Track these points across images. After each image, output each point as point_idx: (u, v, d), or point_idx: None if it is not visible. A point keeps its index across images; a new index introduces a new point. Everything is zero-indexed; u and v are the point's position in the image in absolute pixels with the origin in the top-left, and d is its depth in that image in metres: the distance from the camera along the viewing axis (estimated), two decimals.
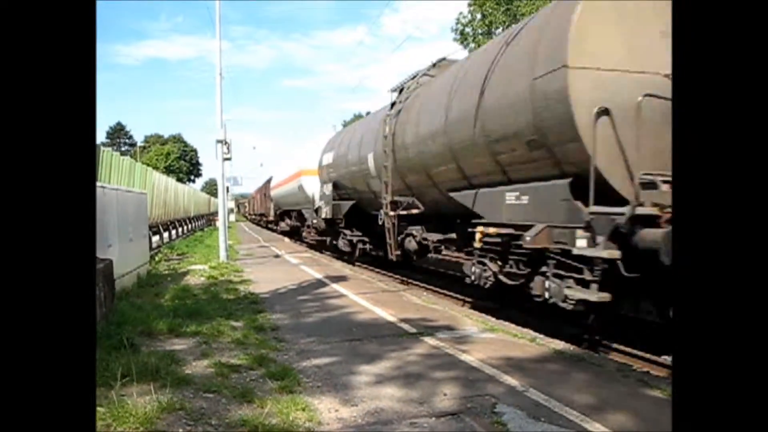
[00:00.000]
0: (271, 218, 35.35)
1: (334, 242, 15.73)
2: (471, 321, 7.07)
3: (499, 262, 6.85)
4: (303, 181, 19.75)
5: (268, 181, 35.55)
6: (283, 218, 29.37)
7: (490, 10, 26.27)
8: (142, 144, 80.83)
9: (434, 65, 10.10)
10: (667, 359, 5.69)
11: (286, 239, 27.88)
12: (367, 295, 9.10)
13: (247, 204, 74.67)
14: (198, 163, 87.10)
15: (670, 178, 4.67)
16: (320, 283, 10.76)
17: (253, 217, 57.57)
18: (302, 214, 21.77)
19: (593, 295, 5.12)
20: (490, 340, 6.00)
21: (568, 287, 5.45)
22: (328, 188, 14.81)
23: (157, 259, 14.46)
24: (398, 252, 10.53)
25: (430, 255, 10.74)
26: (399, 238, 10.46)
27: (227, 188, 19.13)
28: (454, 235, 8.70)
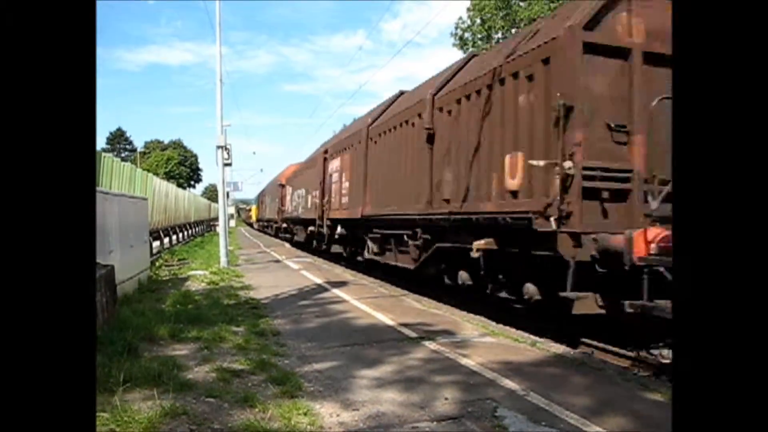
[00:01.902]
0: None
1: None
2: (471, 325, 7.09)
3: None
4: None
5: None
6: None
7: (490, 15, 26.40)
8: (143, 150, 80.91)
9: None
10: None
11: (287, 245, 26.93)
12: (367, 300, 9.11)
13: (252, 208, 60.85)
14: (198, 169, 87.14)
15: None
16: (321, 288, 10.78)
17: (278, 225, 31.79)
18: None
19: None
20: (490, 345, 6.01)
21: None
22: None
23: (157, 264, 14.48)
24: None
25: None
26: None
27: (227, 193, 19.18)
28: None
